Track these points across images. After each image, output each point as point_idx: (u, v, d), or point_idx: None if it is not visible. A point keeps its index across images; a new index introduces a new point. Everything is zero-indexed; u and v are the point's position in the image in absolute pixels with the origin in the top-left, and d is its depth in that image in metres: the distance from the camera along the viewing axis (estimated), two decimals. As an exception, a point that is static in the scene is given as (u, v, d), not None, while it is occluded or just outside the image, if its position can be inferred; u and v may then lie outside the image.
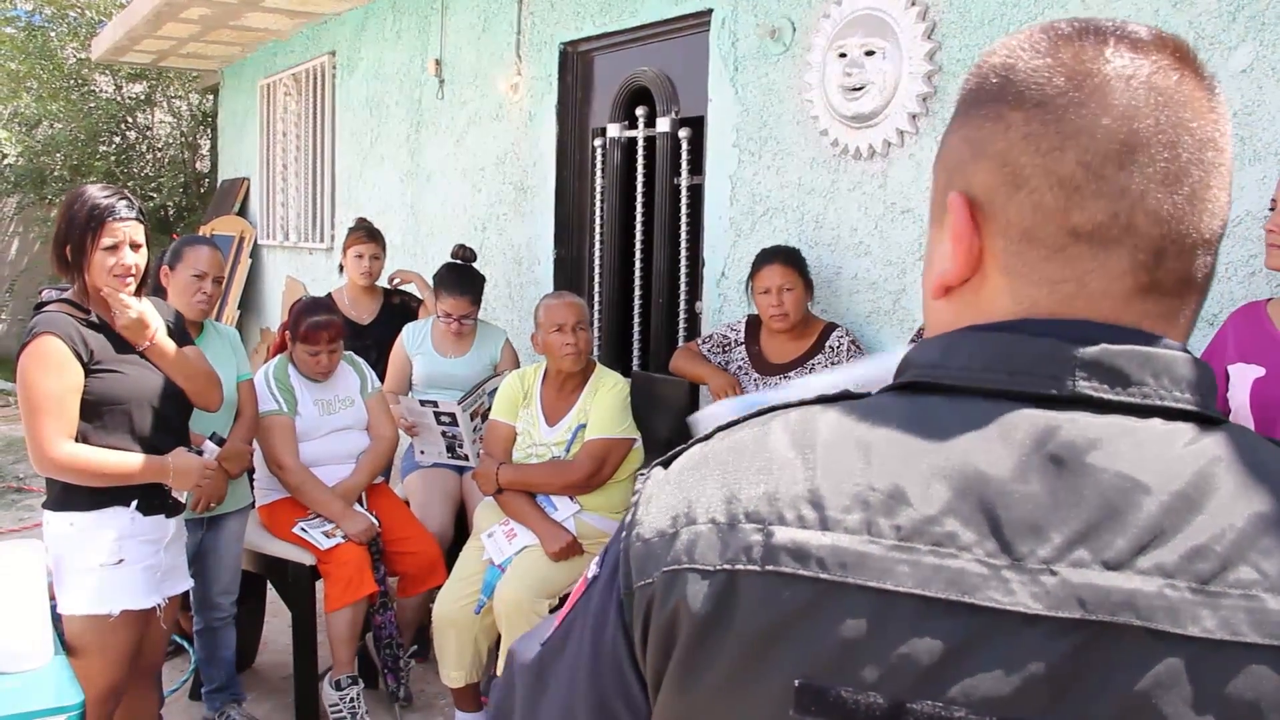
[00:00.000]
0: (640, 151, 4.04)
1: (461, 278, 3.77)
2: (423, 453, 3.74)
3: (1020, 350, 0.60)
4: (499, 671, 2.99)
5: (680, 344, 3.75)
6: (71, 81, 9.83)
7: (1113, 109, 0.60)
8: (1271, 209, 1.99)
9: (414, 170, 5.60)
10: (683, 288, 3.92)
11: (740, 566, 0.59)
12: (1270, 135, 2.27)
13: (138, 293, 2.45)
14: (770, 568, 0.58)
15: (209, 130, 10.06)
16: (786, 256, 3.06)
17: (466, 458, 3.64)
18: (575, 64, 4.46)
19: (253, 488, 3.33)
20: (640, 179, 4.04)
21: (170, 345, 2.52)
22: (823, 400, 0.66)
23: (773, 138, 3.43)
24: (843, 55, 3.11)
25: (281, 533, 3.26)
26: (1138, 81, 0.60)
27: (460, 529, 3.61)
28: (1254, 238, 2.30)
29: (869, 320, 3.17)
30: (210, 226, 8.02)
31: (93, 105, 9.78)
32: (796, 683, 0.56)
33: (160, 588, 2.53)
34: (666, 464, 0.69)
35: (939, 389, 0.63)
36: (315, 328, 3.26)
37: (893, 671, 0.55)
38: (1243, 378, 2.02)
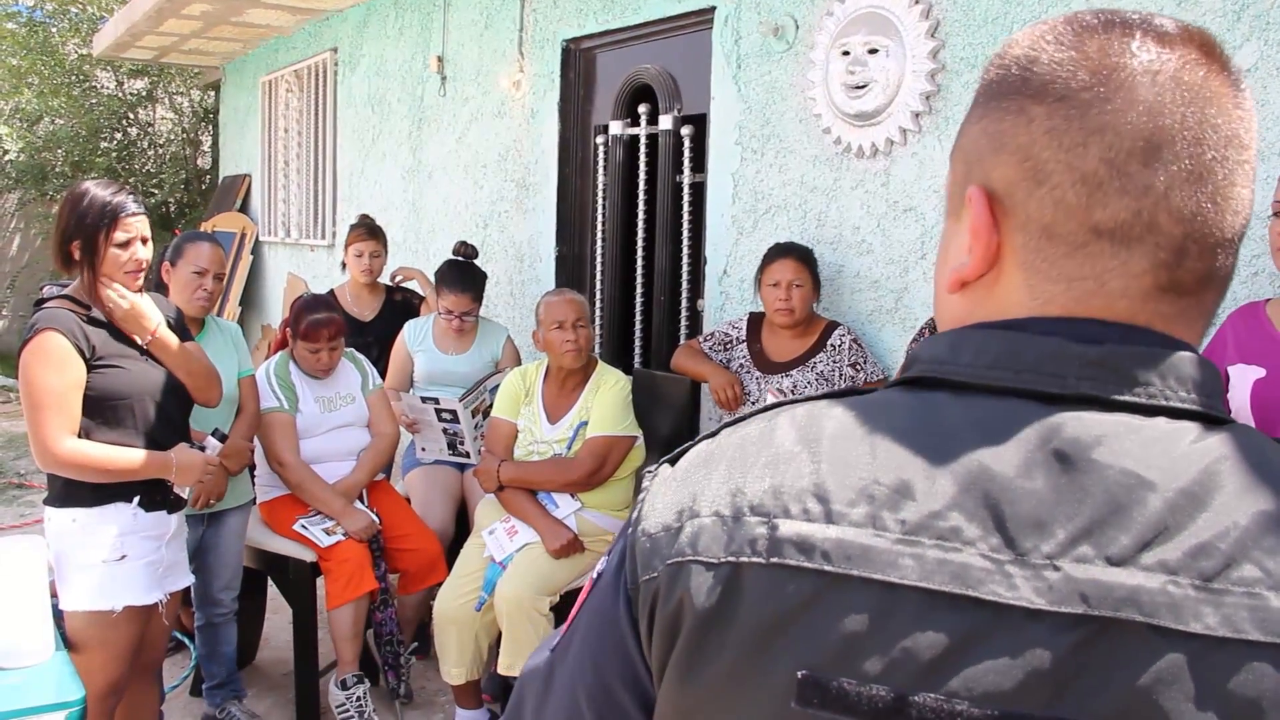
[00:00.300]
0: (642, 149, 4.03)
1: (463, 275, 3.77)
2: (424, 450, 3.74)
3: (1027, 348, 0.60)
4: (499, 669, 2.99)
5: (682, 342, 3.75)
6: (73, 77, 9.83)
7: (1138, 105, 0.59)
8: (1276, 214, 1.98)
9: (416, 167, 5.60)
10: (684, 285, 3.92)
11: (745, 559, 0.59)
12: (1275, 135, 2.27)
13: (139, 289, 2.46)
14: (775, 560, 0.59)
15: (210, 126, 10.05)
16: (801, 253, 3.07)
17: (467, 455, 3.64)
18: (578, 61, 4.45)
19: (254, 484, 3.33)
20: (642, 176, 4.04)
21: (173, 339, 2.52)
22: (829, 396, 0.67)
23: (775, 135, 3.43)
24: (846, 53, 3.11)
25: (282, 529, 3.26)
26: (1164, 77, 0.59)
27: (461, 526, 3.61)
28: (1257, 237, 2.30)
29: (871, 319, 3.17)
30: (212, 223, 8.01)
31: (94, 101, 9.78)
32: (800, 674, 0.57)
33: (162, 584, 2.53)
34: (673, 461, 0.69)
35: (945, 384, 0.63)
36: (316, 325, 3.26)
37: (896, 664, 0.55)
38: (1243, 379, 2.01)
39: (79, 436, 2.36)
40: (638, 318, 4.17)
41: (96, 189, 2.40)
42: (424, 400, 3.57)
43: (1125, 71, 0.60)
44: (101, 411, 2.39)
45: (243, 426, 3.06)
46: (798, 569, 0.58)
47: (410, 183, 5.66)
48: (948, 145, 2.84)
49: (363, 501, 3.35)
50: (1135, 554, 0.54)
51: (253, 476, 3.32)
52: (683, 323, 3.94)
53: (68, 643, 2.38)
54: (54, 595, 2.39)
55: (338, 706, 3.11)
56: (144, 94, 10.12)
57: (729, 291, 3.65)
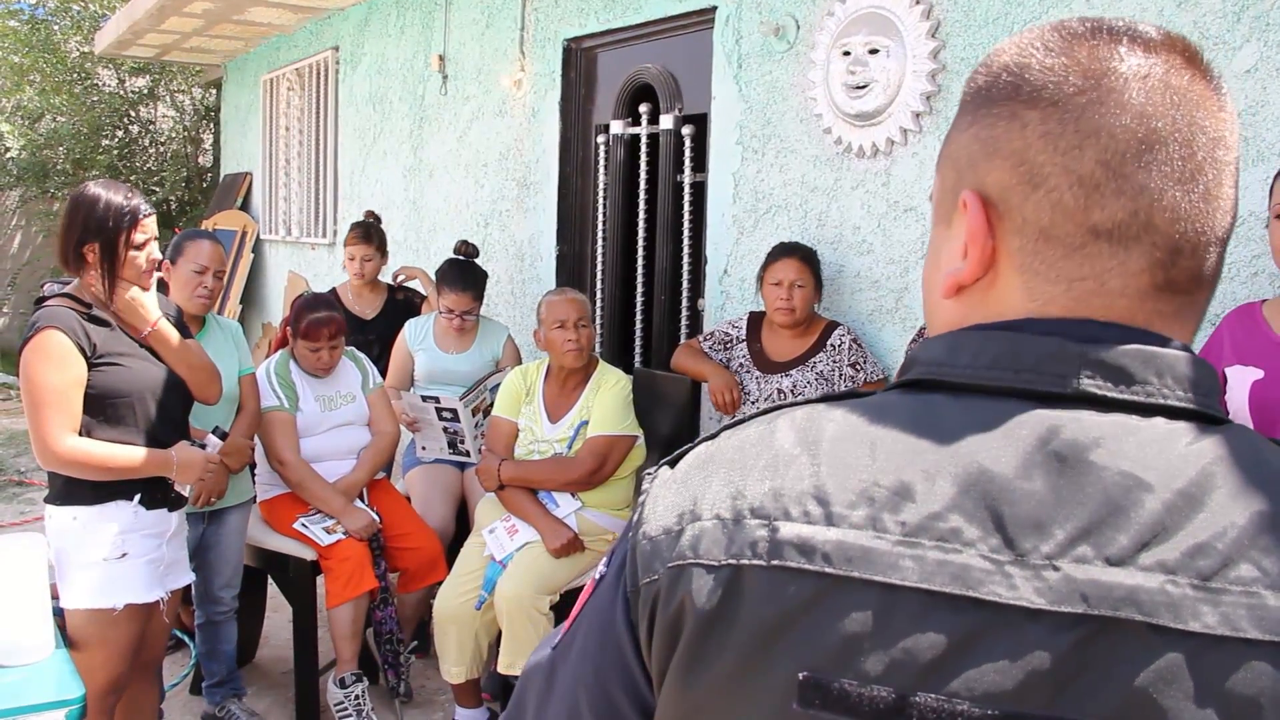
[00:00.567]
0: (643, 148, 4.03)
1: (464, 273, 3.77)
2: (424, 449, 3.75)
3: (1026, 349, 0.61)
4: (499, 668, 3.00)
5: (682, 341, 3.75)
6: (74, 75, 9.83)
7: (1131, 108, 0.60)
8: (1277, 215, 1.97)
9: (417, 166, 5.60)
10: (685, 285, 3.92)
11: (745, 561, 0.60)
12: (1274, 136, 2.27)
13: None
14: (776, 562, 0.59)
15: (212, 125, 10.05)
16: (804, 254, 3.07)
17: (468, 454, 3.64)
18: (579, 60, 4.45)
19: (254, 482, 3.33)
20: (643, 176, 4.04)
21: (173, 333, 2.53)
22: (828, 399, 0.67)
23: (776, 135, 3.43)
24: (846, 53, 3.11)
25: (283, 528, 3.26)
26: (1154, 81, 0.61)
27: (461, 525, 3.61)
28: (1256, 238, 2.30)
29: (871, 319, 3.17)
30: (212, 221, 8.02)
31: (96, 99, 9.78)
32: (801, 676, 0.57)
33: (163, 582, 2.53)
34: (673, 463, 0.69)
35: (944, 386, 0.63)
36: (316, 324, 3.26)
37: (896, 665, 0.55)
38: (1241, 380, 2.01)
39: (80, 434, 2.36)
40: (638, 317, 4.18)
41: (108, 192, 2.41)
42: (424, 399, 3.58)
43: (1116, 76, 0.61)
44: (102, 409, 2.39)
45: (243, 425, 3.07)
46: (799, 571, 0.58)
47: (411, 181, 5.66)
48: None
49: (363, 500, 3.35)
50: (1134, 554, 0.54)
51: (253, 475, 3.32)
52: (683, 322, 3.94)
53: (68, 641, 2.39)
54: (54, 593, 2.40)
55: (336, 705, 3.11)
56: (145, 92, 10.12)
57: (729, 291, 3.65)
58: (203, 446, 2.63)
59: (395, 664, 3.29)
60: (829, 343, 3.05)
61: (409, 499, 3.62)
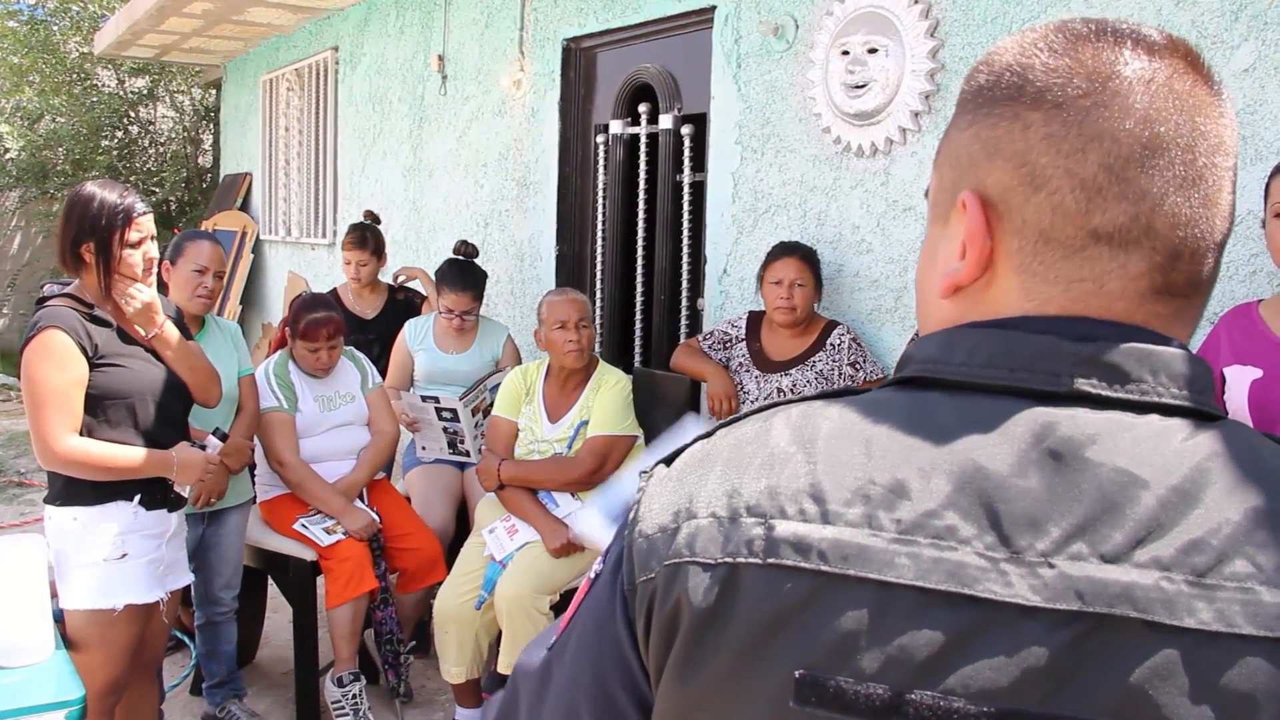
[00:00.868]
0: (643, 148, 4.04)
1: (464, 273, 3.77)
2: (424, 449, 3.75)
3: (1021, 347, 0.61)
4: (499, 668, 3.00)
5: (682, 341, 3.75)
6: (74, 76, 9.83)
7: (1135, 112, 0.60)
8: (1277, 215, 1.97)
9: (416, 166, 5.60)
10: (684, 284, 3.92)
11: (742, 559, 0.60)
12: (1272, 135, 2.27)
13: None
14: (772, 560, 0.59)
15: (211, 125, 10.05)
16: (804, 253, 3.07)
17: (468, 454, 3.64)
18: (578, 60, 4.45)
19: (254, 483, 3.33)
20: (642, 175, 4.04)
21: (175, 335, 2.53)
22: (824, 396, 0.67)
23: (775, 135, 3.43)
24: (845, 53, 3.11)
25: (282, 528, 3.26)
26: (1158, 85, 0.61)
27: (461, 525, 3.62)
28: (1255, 237, 2.30)
29: (870, 318, 3.17)
30: (212, 221, 8.02)
31: (95, 100, 9.78)
32: (797, 673, 0.57)
33: (162, 582, 2.53)
34: (669, 461, 0.69)
35: (939, 384, 0.63)
36: (314, 325, 3.26)
37: (892, 662, 0.55)
38: (1240, 380, 2.02)
39: (81, 434, 2.36)
40: (638, 317, 4.18)
41: (103, 191, 2.41)
42: (424, 399, 3.58)
43: (1120, 79, 0.61)
44: (103, 410, 2.39)
45: (243, 425, 3.07)
46: (794, 569, 0.58)
47: (411, 181, 5.67)
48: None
49: (363, 500, 3.35)
50: (1129, 551, 0.54)
51: (253, 475, 3.32)
52: (683, 322, 3.94)
53: (68, 641, 2.39)
54: (54, 594, 2.40)
55: (334, 703, 3.12)
56: (145, 92, 10.12)
57: (729, 290, 3.65)
58: (202, 447, 2.63)
59: (395, 664, 3.29)
60: (828, 342, 3.05)
61: (409, 499, 3.62)
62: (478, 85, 5.01)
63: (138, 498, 2.44)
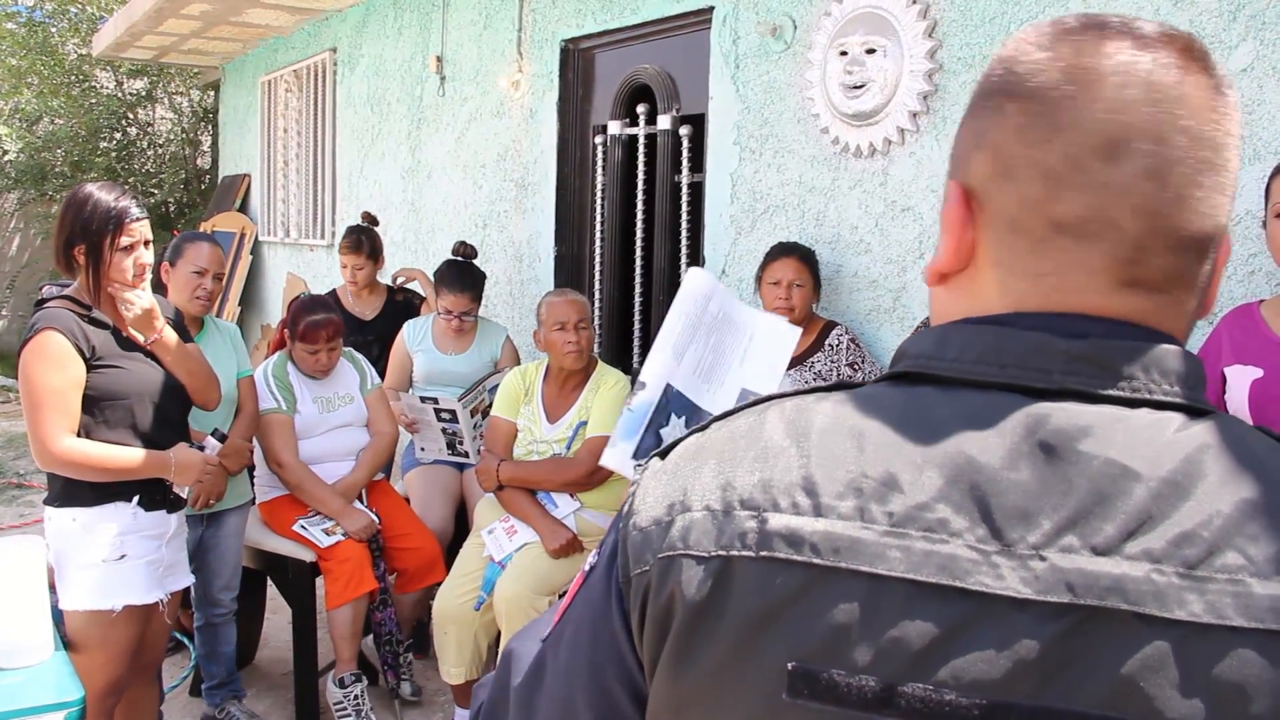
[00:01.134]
0: (641, 149, 4.04)
1: (462, 274, 3.77)
2: (423, 449, 3.75)
3: (1010, 344, 0.61)
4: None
5: (680, 341, 3.75)
6: (73, 77, 9.83)
7: (1103, 103, 0.60)
8: (1277, 215, 1.98)
9: (415, 167, 5.60)
10: (683, 285, 3.91)
11: (735, 552, 0.60)
12: (1270, 134, 2.27)
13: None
14: (764, 553, 0.59)
15: (210, 126, 10.06)
16: (803, 254, 3.07)
17: (467, 454, 3.64)
18: (576, 61, 4.46)
19: (253, 484, 3.33)
20: (641, 176, 4.04)
21: (174, 338, 2.53)
22: (818, 390, 0.67)
23: (773, 135, 3.43)
24: (844, 53, 3.11)
25: (282, 529, 3.26)
26: (1133, 77, 0.61)
27: (460, 526, 3.62)
28: (1254, 236, 2.30)
29: (869, 318, 3.17)
30: (211, 223, 8.02)
31: (94, 101, 9.78)
32: (790, 666, 0.57)
33: (162, 583, 2.53)
34: (663, 455, 0.70)
35: (933, 379, 0.64)
36: (314, 326, 3.26)
37: (884, 655, 0.56)
38: (1241, 379, 2.02)
39: (79, 436, 2.36)
40: (636, 317, 4.18)
41: (99, 193, 2.41)
42: (423, 400, 3.58)
43: (1094, 72, 0.61)
44: (101, 411, 2.39)
45: (242, 427, 3.07)
46: (787, 562, 0.59)
47: (409, 182, 5.67)
48: (946, 145, 2.85)
49: (362, 501, 3.35)
50: (1120, 543, 0.54)
51: (252, 477, 3.32)
52: (681, 322, 3.94)
53: (67, 642, 2.39)
54: (53, 594, 2.40)
55: (335, 704, 3.12)
56: (143, 94, 10.11)
57: (728, 291, 3.65)
58: (201, 449, 2.63)
59: (395, 665, 3.30)
60: (827, 342, 3.05)
61: (408, 500, 3.62)
62: (476, 86, 5.01)
63: (136, 499, 2.44)
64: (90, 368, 2.37)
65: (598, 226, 4.34)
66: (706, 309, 1.81)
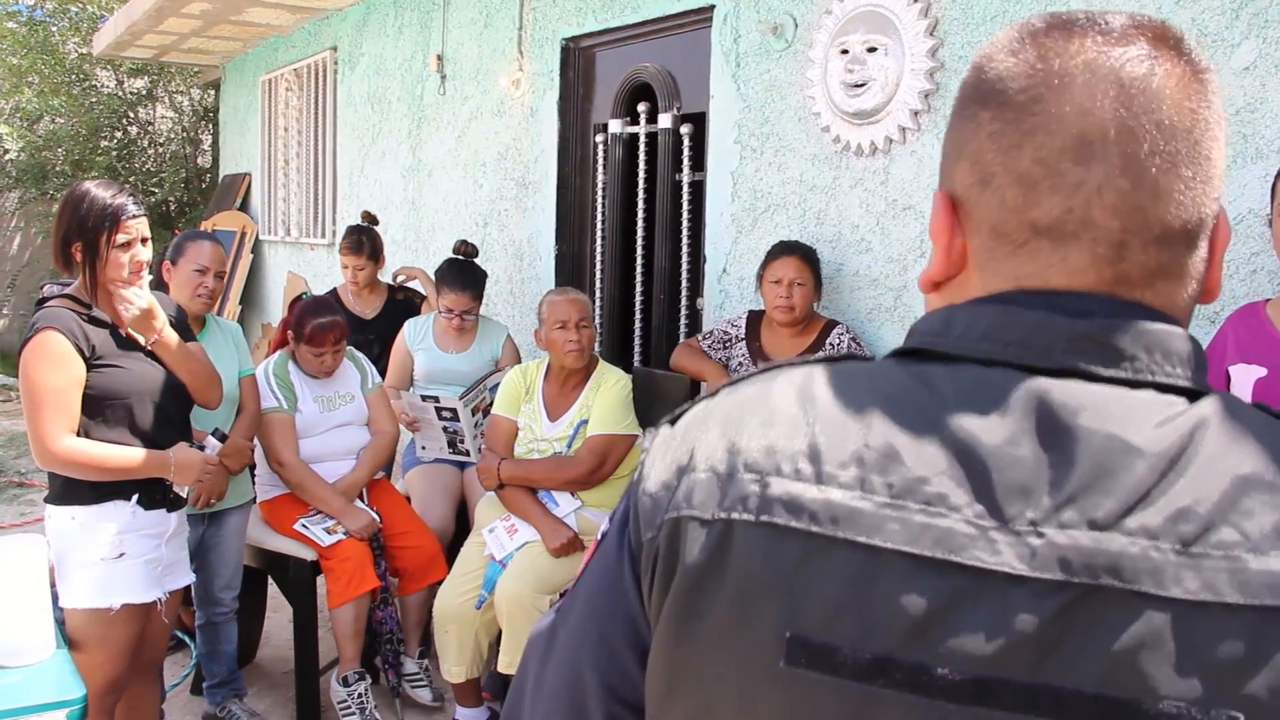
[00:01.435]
0: (642, 147, 4.04)
1: (463, 273, 3.77)
2: (424, 448, 3.75)
3: (1013, 322, 0.61)
4: (499, 667, 3.00)
5: (681, 340, 3.75)
6: (73, 76, 9.82)
7: (1070, 103, 0.60)
8: None
9: (415, 166, 5.60)
10: (684, 284, 3.92)
11: (736, 515, 0.61)
12: (1273, 133, 2.26)
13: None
14: (765, 518, 0.60)
15: (210, 125, 10.05)
16: (804, 252, 3.07)
17: (468, 453, 3.64)
18: (577, 60, 4.45)
19: (254, 483, 3.33)
20: (642, 175, 4.04)
21: (175, 338, 2.53)
22: (826, 361, 0.68)
23: (774, 134, 3.43)
24: (845, 52, 3.11)
25: (283, 528, 3.26)
26: (1101, 74, 0.60)
27: (461, 524, 3.61)
28: (1256, 235, 2.30)
29: (870, 317, 3.17)
30: (212, 222, 8.02)
31: (94, 100, 9.77)
32: (787, 634, 0.58)
33: (162, 582, 2.53)
34: (673, 422, 0.70)
35: (939, 356, 0.64)
36: (321, 330, 3.25)
37: (880, 626, 0.56)
38: (1244, 378, 2.02)
39: (78, 435, 2.36)
40: (637, 316, 4.18)
41: (96, 190, 2.40)
42: (424, 398, 3.58)
43: (1061, 72, 0.61)
44: (101, 410, 2.39)
45: (243, 426, 3.07)
46: (786, 528, 0.59)
47: (410, 181, 5.67)
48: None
49: (363, 500, 3.35)
50: (1119, 518, 0.54)
51: (253, 476, 3.32)
52: (682, 321, 3.94)
53: (68, 641, 2.39)
54: (55, 593, 2.40)
55: (339, 703, 3.12)
56: (144, 93, 10.11)
57: (728, 290, 3.65)
58: (201, 448, 2.63)
59: (396, 664, 3.29)
60: (828, 341, 3.05)
61: (409, 499, 3.62)
62: (476, 85, 5.00)
63: (135, 497, 2.44)
64: (90, 367, 2.37)
65: (598, 225, 4.34)
66: None
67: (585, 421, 3.17)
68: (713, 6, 3.65)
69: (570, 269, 4.56)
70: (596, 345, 4.06)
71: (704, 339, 3.31)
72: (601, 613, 0.68)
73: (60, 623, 2.40)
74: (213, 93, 9.59)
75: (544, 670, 0.70)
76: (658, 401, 3.43)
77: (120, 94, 10.00)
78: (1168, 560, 0.53)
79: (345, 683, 3.12)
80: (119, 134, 10.03)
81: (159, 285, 3.03)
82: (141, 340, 2.47)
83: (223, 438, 2.80)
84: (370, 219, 4.41)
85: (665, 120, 3.90)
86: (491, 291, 4.52)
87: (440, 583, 3.19)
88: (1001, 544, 0.55)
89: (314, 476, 3.26)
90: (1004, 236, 0.63)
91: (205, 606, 3.17)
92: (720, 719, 0.61)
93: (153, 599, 2.48)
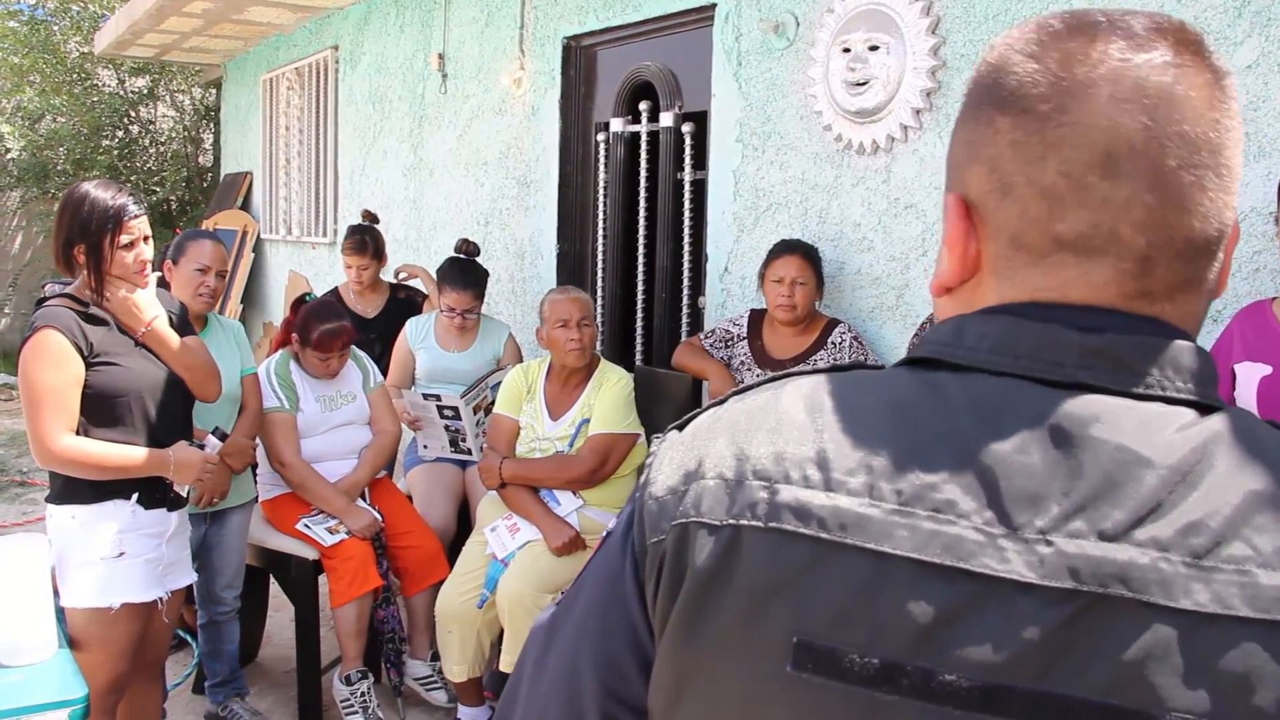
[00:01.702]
0: (643, 146, 4.03)
1: (465, 272, 3.77)
2: (425, 447, 3.75)
3: (1024, 335, 0.61)
4: (500, 666, 3.00)
5: (683, 339, 3.75)
6: (74, 76, 9.82)
7: (1096, 116, 0.59)
8: None
9: (417, 165, 5.60)
10: (686, 283, 3.91)
11: (745, 522, 0.61)
12: (1275, 131, 2.26)
13: None
14: (773, 525, 0.60)
15: (212, 124, 10.05)
16: (806, 251, 3.07)
17: (469, 452, 3.64)
18: (578, 58, 4.45)
19: (256, 482, 3.33)
20: (643, 174, 4.04)
21: (170, 333, 2.52)
22: (835, 369, 0.68)
23: (776, 133, 3.43)
24: (846, 50, 3.10)
25: (285, 528, 3.26)
26: (1126, 84, 0.59)
27: (463, 524, 3.61)
28: (1258, 234, 2.30)
29: (872, 316, 3.17)
30: (213, 221, 8.02)
31: (95, 99, 9.77)
32: (794, 639, 0.57)
33: (163, 581, 2.53)
34: (681, 427, 0.70)
35: (949, 366, 0.64)
36: (329, 335, 3.25)
37: (887, 633, 0.56)
38: (1250, 376, 2.03)
39: (78, 434, 2.36)
40: (639, 315, 4.18)
41: (96, 192, 2.40)
42: (426, 397, 3.57)
43: (1085, 82, 0.60)
44: (100, 409, 2.39)
45: (246, 424, 3.07)
46: (794, 535, 0.59)
47: (411, 180, 5.66)
48: (948, 142, 2.84)
49: (365, 499, 3.35)
50: (1128, 530, 0.54)
51: (255, 475, 3.32)
52: (684, 320, 3.94)
53: (70, 641, 2.39)
54: (56, 593, 2.40)
55: (342, 701, 3.12)
56: (145, 92, 10.11)
57: (730, 289, 3.65)
58: (201, 447, 2.63)
59: (398, 663, 3.29)
60: (830, 340, 3.04)
61: (410, 498, 3.62)
62: (478, 84, 5.00)
63: (135, 496, 2.44)
64: (89, 365, 2.37)
65: (600, 224, 4.34)
66: None
67: (587, 420, 3.17)
68: (714, 5, 3.64)
69: (572, 268, 4.56)
70: (598, 344, 4.06)
71: (706, 338, 3.31)
72: (601, 611, 0.68)
73: (62, 622, 2.40)
74: (214, 92, 9.59)
75: (542, 663, 0.71)
76: (659, 400, 3.43)
77: (121, 93, 10.00)
78: (1178, 572, 0.53)
79: (348, 681, 3.12)
80: (120, 133, 10.03)
81: (160, 284, 3.03)
82: (131, 330, 2.46)
83: (223, 436, 2.79)
84: (371, 218, 4.41)
85: (667, 119, 3.90)
86: (493, 290, 4.51)
87: (442, 582, 3.19)
88: (1010, 552, 0.55)
89: (316, 476, 3.26)
90: (1024, 247, 0.62)
91: (207, 606, 3.17)
92: None
93: (153, 598, 2.48)
